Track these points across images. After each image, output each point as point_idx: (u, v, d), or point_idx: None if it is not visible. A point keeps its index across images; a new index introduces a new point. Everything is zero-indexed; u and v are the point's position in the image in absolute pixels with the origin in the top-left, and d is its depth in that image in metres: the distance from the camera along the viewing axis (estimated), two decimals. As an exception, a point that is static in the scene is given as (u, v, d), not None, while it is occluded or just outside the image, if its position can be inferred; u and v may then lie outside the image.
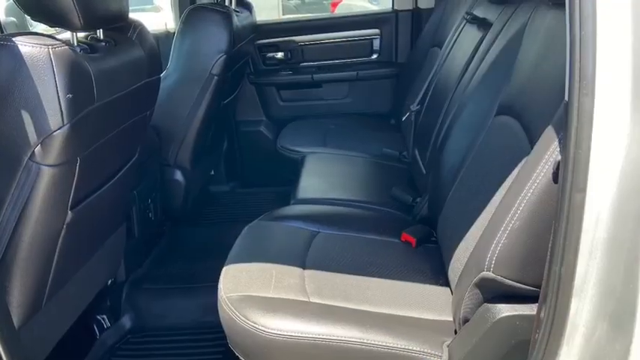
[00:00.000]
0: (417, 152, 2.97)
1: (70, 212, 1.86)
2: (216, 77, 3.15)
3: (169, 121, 3.14)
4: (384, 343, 1.70)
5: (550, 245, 1.27)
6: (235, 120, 4.22)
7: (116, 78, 1.88)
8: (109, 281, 2.68)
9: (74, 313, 2.27)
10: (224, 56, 3.14)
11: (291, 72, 4.20)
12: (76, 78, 1.63)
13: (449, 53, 3.00)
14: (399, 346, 1.69)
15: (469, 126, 2.22)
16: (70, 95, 1.60)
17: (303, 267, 2.04)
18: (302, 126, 3.90)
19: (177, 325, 2.80)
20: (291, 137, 3.69)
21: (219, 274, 1.98)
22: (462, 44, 2.86)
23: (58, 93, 1.57)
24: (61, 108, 1.59)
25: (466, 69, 2.60)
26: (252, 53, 4.04)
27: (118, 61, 1.91)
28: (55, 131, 1.60)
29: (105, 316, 2.71)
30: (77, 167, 1.78)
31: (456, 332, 1.72)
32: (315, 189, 2.91)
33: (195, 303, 2.83)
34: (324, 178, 3.06)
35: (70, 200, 1.84)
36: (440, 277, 2.02)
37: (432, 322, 1.82)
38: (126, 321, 2.79)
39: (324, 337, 1.72)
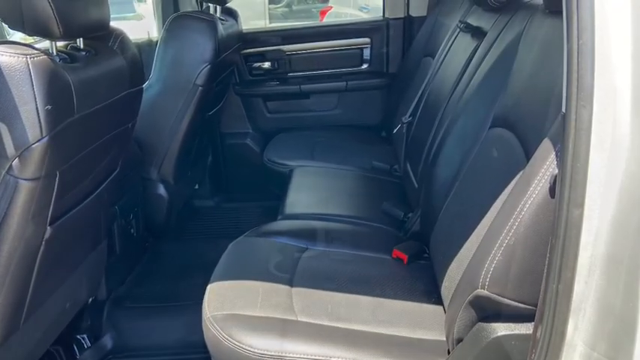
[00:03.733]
0: (408, 165, 2.93)
1: (49, 228, 1.80)
2: (200, 88, 3.07)
3: (152, 133, 3.06)
4: (374, 364, 1.65)
5: (547, 262, 1.23)
6: (220, 132, 4.12)
7: (97, 89, 1.83)
8: (90, 300, 2.57)
9: (53, 333, 2.18)
10: (208, 66, 3.07)
11: (278, 82, 4.10)
12: (56, 89, 1.58)
13: (442, 63, 2.96)
14: (389, 366, 1.65)
15: (463, 138, 2.18)
16: (49, 107, 1.54)
17: (291, 285, 2.00)
18: (289, 138, 3.84)
19: (161, 345, 2.70)
20: (279, 150, 3.63)
21: (204, 292, 1.93)
22: (456, 54, 2.82)
23: (36, 104, 1.52)
24: (39, 120, 1.53)
25: (460, 79, 2.56)
26: (237, 63, 3.96)
27: (98, 71, 1.85)
28: (33, 144, 1.55)
29: (85, 336, 2.61)
30: (57, 181, 1.72)
31: (449, 352, 1.67)
32: (303, 204, 2.86)
33: (179, 322, 2.74)
34: (312, 192, 3.02)
35: (49, 215, 1.78)
36: (432, 295, 1.98)
37: (424, 342, 1.78)
38: (107, 341, 2.69)
39: (312, 357, 1.68)
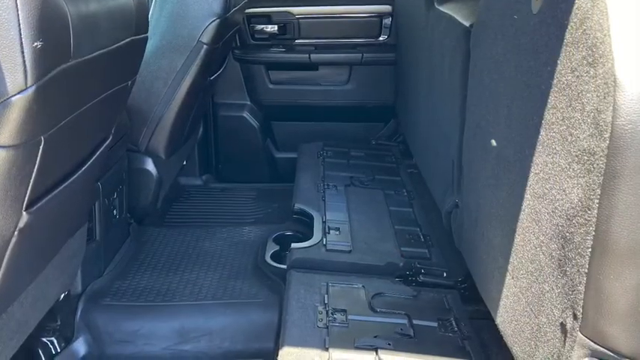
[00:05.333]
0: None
1: (24, 214, 1.41)
2: (205, 46, 2.67)
3: (143, 97, 2.64)
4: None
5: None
6: (213, 102, 3.69)
7: (99, 28, 1.49)
8: (62, 295, 2.15)
9: (19, 339, 1.80)
10: (217, 21, 2.68)
11: (284, 49, 3.68)
12: (49, 21, 1.21)
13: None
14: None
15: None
16: (39, 44, 1.18)
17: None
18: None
19: (145, 354, 2.24)
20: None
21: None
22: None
23: (21, 40, 1.16)
24: (24, 63, 1.17)
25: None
26: (240, 23, 3.44)
27: (102, 6, 1.52)
28: (13, 96, 1.19)
29: (54, 339, 2.15)
30: (40, 150, 1.34)
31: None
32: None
33: (169, 326, 2.27)
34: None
35: (27, 197, 1.39)
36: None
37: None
38: (79, 346, 2.21)
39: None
